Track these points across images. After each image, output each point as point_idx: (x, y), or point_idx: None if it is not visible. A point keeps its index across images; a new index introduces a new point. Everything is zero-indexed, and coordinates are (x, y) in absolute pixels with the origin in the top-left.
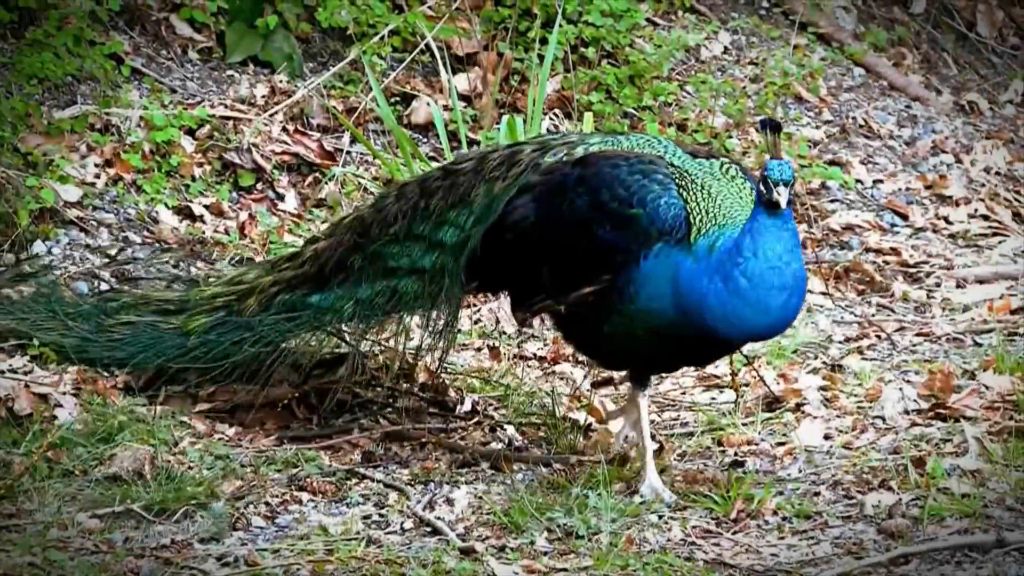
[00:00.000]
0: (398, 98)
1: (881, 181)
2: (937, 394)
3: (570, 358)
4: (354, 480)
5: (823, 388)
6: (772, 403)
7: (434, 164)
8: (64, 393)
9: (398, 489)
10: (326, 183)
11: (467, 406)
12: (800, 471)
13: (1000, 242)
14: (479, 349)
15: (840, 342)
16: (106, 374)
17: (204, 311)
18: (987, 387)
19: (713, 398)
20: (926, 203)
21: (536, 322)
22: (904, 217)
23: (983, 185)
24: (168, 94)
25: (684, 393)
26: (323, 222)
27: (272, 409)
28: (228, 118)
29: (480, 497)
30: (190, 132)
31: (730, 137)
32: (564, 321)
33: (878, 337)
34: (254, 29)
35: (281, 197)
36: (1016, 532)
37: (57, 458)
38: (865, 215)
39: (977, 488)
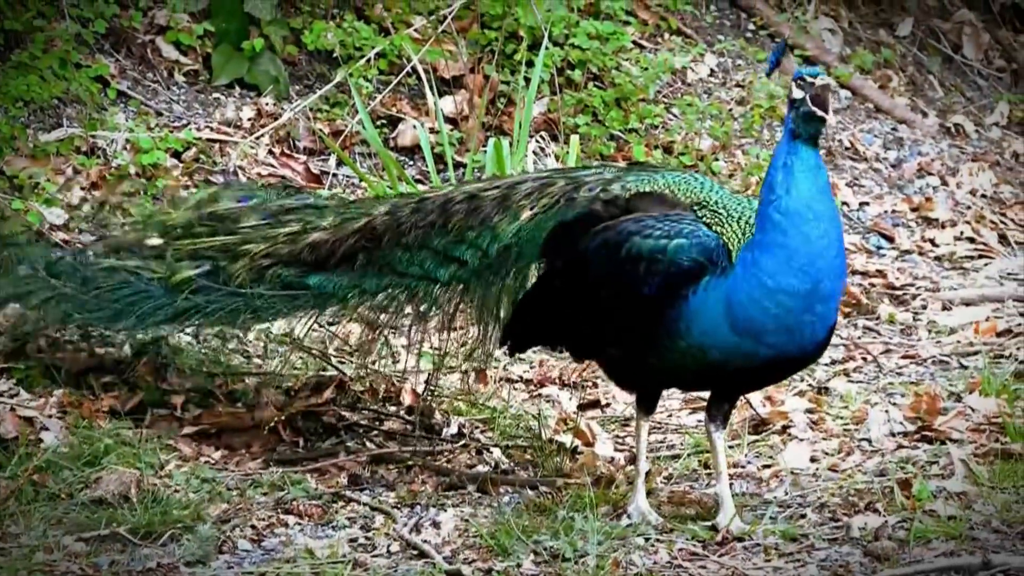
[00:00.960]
0: (384, 120)
1: (867, 203)
2: (923, 416)
3: (556, 381)
4: (340, 503)
5: (809, 410)
6: (758, 425)
7: (421, 187)
8: (50, 416)
9: (384, 512)
10: None
11: (453, 429)
12: (786, 493)
13: (986, 264)
14: (465, 372)
15: (826, 364)
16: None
17: (187, 256)
18: (973, 409)
19: (699, 420)
20: (912, 225)
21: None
22: (890, 239)
23: (969, 207)
24: (154, 117)
25: (671, 416)
26: None
27: (258, 432)
28: (214, 141)
29: (466, 520)
30: (176, 155)
31: (716, 160)
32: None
33: (864, 359)
34: (240, 52)
35: None
36: (1002, 554)
37: (43, 481)
38: (851, 237)
39: (963, 510)
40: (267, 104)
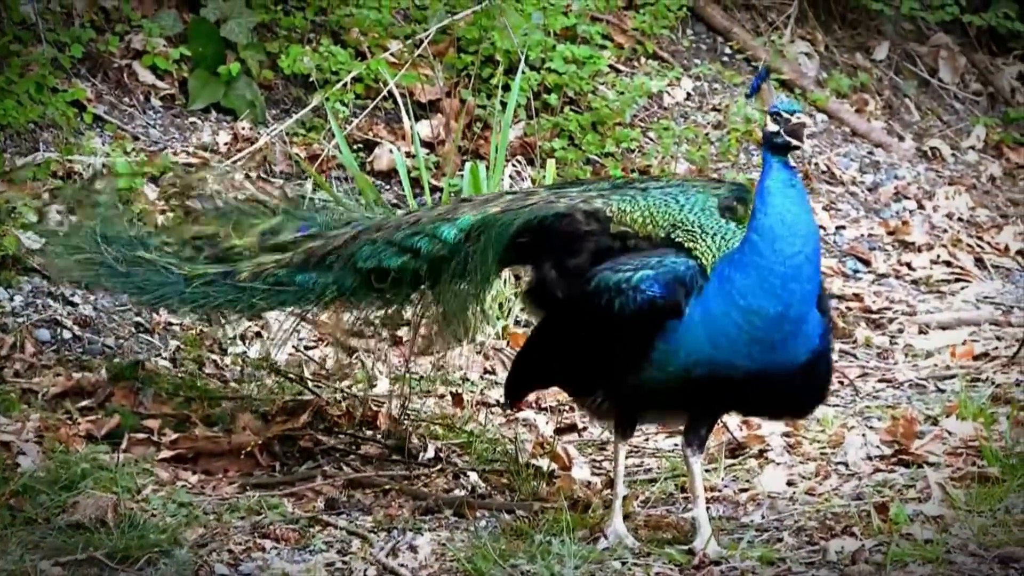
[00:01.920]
0: (361, 145)
1: (844, 227)
2: (900, 440)
3: (533, 405)
4: (317, 527)
5: (786, 434)
6: (735, 449)
7: (397, 211)
8: (27, 441)
9: (361, 536)
10: None
11: (430, 453)
12: (763, 517)
13: (963, 288)
14: (442, 396)
15: None
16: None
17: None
18: (950, 433)
19: (676, 444)
20: (889, 249)
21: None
22: (867, 263)
23: (945, 231)
24: (131, 141)
25: (647, 439)
26: None
27: (235, 456)
28: (191, 165)
29: (443, 544)
30: (153, 179)
31: None
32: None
33: (841, 383)
34: (217, 76)
35: None
36: None
37: (20, 506)
38: (828, 261)
39: (940, 534)
40: (244, 128)
